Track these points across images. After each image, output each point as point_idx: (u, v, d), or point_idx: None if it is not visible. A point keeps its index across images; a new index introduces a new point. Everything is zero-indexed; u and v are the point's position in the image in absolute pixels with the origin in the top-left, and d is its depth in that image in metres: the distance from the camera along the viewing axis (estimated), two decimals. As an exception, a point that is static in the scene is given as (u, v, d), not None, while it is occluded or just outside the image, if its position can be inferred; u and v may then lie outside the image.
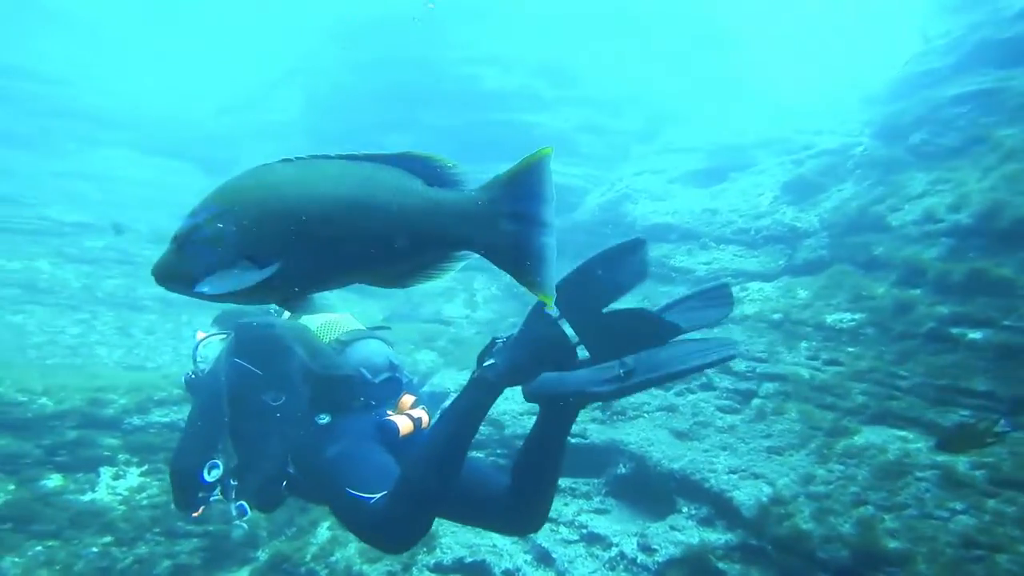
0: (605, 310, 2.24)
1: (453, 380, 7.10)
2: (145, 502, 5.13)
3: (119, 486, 5.17)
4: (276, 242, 1.37)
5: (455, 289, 9.63)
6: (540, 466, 2.53)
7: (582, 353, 2.37)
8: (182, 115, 15.21)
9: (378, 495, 2.44)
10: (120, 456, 5.38)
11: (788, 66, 15.36)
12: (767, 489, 4.42)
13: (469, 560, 4.87)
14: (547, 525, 5.01)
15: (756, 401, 5.21)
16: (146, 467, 5.37)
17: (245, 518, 2.87)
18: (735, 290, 6.40)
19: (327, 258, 1.42)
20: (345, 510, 2.55)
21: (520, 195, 1.48)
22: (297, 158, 1.43)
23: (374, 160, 1.46)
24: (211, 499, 2.88)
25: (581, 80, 12.88)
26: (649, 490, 5.11)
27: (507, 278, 1.96)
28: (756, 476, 4.57)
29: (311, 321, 3.00)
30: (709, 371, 5.58)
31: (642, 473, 5.17)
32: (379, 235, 1.42)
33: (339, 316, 3.08)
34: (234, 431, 2.98)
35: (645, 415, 5.62)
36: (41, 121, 13.40)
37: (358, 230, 1.40)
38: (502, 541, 5.03)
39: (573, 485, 5.38)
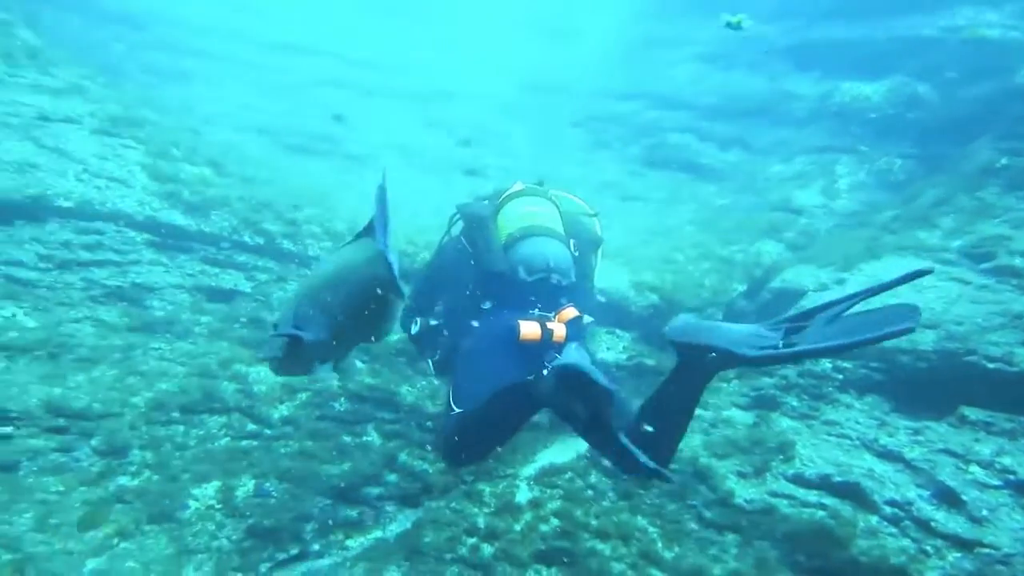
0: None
1: (811, 277, 6.15)
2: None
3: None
4: (306, 311, 1.92)
5: (810, 174, 8.30)
6: (666, 416, 2.45)
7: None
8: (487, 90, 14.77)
9: (457, 411, 2.71)
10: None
11: None
12: None
13: (838, 480, 4.23)
14: (952, 461, 4.07)
15: None
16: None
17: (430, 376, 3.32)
18: None
19: (326, 315, 1.92)
20: (443, 409, 2.88)
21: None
22: (338, 247, 2.05)
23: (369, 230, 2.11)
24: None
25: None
26: (1119, 448, 3.75)
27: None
28: None
29: (518, 207, 3.14)
30: None
31: (1109, 424, 3.79)
32: (358, 288, 2.00)
33: (539, 208, 3.14)
34: (440, 299, 3.40)
35: (1116, 347, 4.07)
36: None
37: (345, 286, 1.97)
38: (881, 467, 4.25)
39: (989, 419, 4.24)
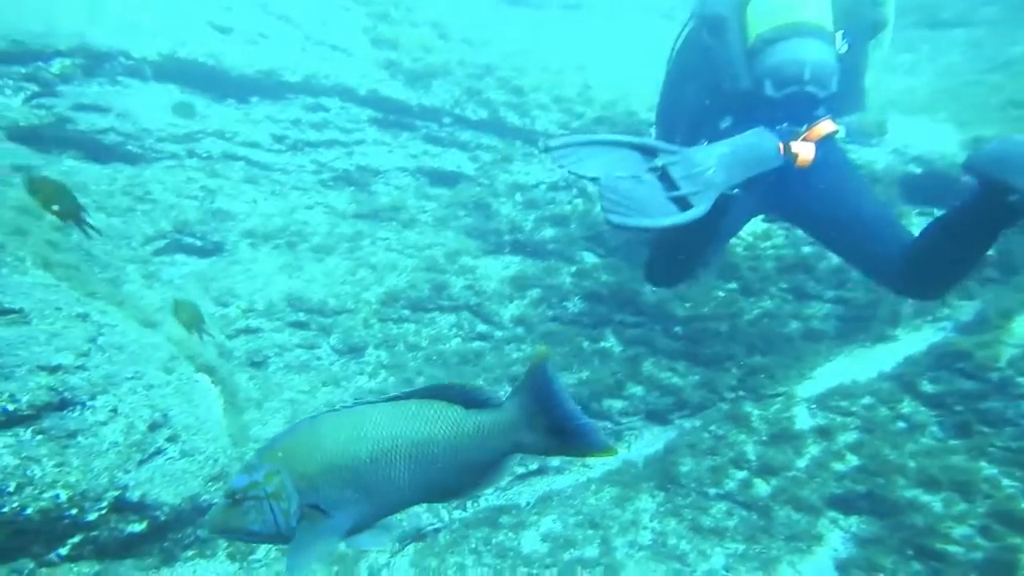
0: None
1: None
2: (770, 251, 4.37)
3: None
4: (334, 489, 1.45)
5: None
6: (951, 243, 2.24)
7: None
8: None
9: None
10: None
11: None
12: None
13: None
14: None
15: None
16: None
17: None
18: None
19: (383, 494, 1.50)
20: None
21: (535, 404, 1.52)
22: (342, 407, 1.54)
23: (412, 396, 1.55)
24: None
25: None
26: None
27: None
28: None
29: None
30: None
31: None
32: (432, 464, 1.50)
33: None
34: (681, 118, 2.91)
35: None
36: None
37: (409, 463, 1.49)
38: None
39: None
